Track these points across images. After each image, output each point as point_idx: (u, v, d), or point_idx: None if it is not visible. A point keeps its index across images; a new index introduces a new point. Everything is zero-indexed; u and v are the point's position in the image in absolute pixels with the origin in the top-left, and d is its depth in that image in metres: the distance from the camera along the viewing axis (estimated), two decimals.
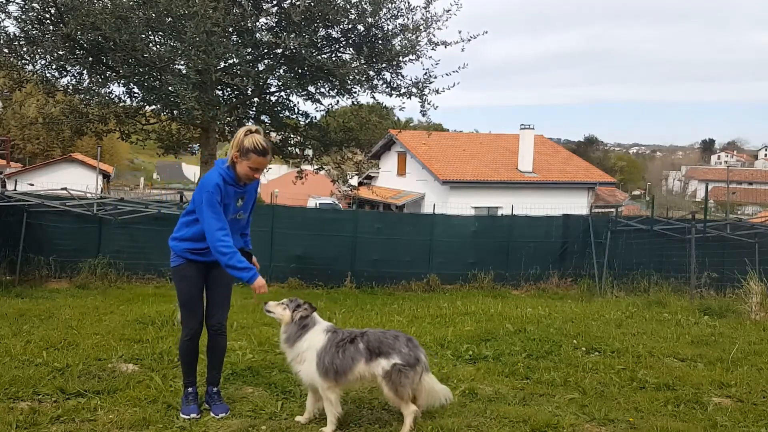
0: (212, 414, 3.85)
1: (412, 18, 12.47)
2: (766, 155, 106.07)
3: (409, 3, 12.40)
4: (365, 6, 11.88)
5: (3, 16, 11.54)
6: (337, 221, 15.11)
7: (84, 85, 12.47)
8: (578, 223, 15.91)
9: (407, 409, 3.59)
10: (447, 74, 12.98)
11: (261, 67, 13.05)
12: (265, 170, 3.77)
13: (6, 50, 11.67)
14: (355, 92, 13.57)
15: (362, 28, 12.54)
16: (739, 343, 6.26)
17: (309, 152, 15.81)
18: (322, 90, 13.76)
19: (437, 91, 12.88)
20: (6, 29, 11.70)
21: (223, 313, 3.96)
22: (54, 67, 12.31)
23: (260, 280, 3.64)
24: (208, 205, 3.56)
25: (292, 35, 11.12)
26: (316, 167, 16.62)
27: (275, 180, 41.54)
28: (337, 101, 14.18)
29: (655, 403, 4.39)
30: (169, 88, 10.92)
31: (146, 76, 12.10)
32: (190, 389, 3.90)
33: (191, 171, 59.69)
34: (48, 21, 11.68)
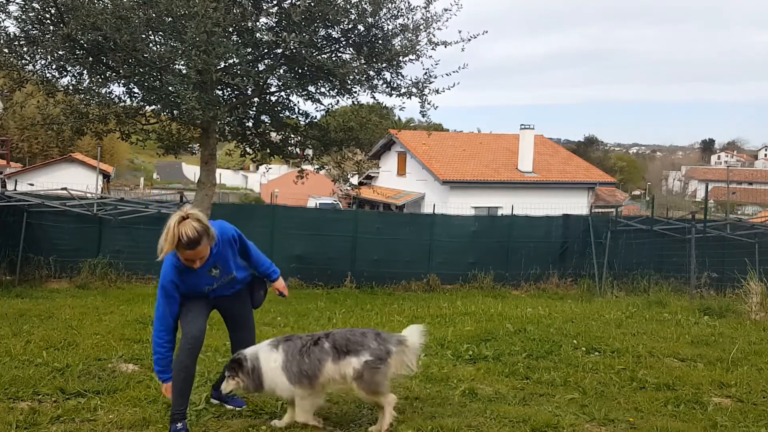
0: (229, 406, 3.94)
1: (412, 18, 12.45)
2: (766, 155, 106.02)
3: (409, 3, 12.39)
4: (365, 6, 11.86)
5: (3, 16, 11.54)
6: (337, 221, 15.12)
7: (84, 85, 12.45)
8: (578, 223, 15.92)
9: (385, 400, 3.56)
10: (447, 74, 12.95)
11: (261, 67, 13.03)
12: (205, 255, 3.36)
13: (6, 50, 11.66)
14: (355, 92, 13.55)
15: (362, 28, 12.52)
16: (739, 343, 6.26)
17: (309, 152, 15.80)
18: (322, 90, 13.74)
19: (437, 91, 12.86)
20: (6, 29, 11.70)
21: (247, 344, 3.80)
22: (54, 67, 12.30)
23: (168, 387, 3.49)
24: (159, 294, 3.48)
25: (293, 35, 11.12)
26: (316, 167, 16.63)
27: (275, 180, 41.56)
28: (337, 101, 14.16)
29: (655, 403, 4.39)
30: (170, 88, 10.91)
31: (146, 76, 12.08)
32: (179, 425, 3.46)
33: (191, 171, 59.71)
34: (48, 21, 11.67)
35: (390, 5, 12.29)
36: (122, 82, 12.71)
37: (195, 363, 3.53)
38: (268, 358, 3.55)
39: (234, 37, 12.03)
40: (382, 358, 3.50)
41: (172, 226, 3.22)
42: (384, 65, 12.86)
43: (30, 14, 11.45)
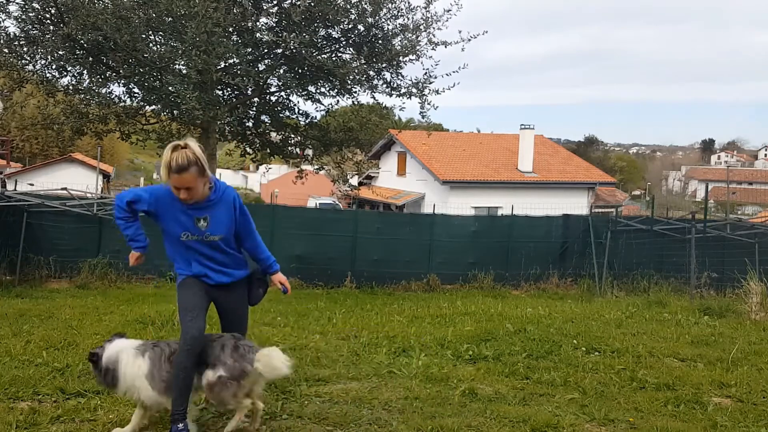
0: None
1: (412, 18, 12.48)
2: (766, 155, 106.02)
3: (409, 3, 12.42)
4: (365, 6, 11.88)
5: (3, 16, 11.55)
6: (337, 221, 15.12)
7: (84, 85, 12.47)
8: (578, 223, 15.92)
9: (239, 405, 3.46)
10: (447, 74, 13.00)
11: (261, 67, 13.05)
12: (193, 187, 3.28)
13: (6, 50, 11.67)
14: (355, 92, 13.59)
15: (362, 28, 12.54)
16: (739, 343, 6.26)
17: (309, 152, 15.82)
18: (322, 90, 13.77)
19: (437, 92, 12.89)
20: (6, 29, 11.71)
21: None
22: (54, 67, 12.32)
23: (133, 254, 3.53)
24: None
25: (293, 35, 11.13)
26: (316, 167, 16.64)
27: (275, 180, 41.59)
28: (337, 101, 14.19)
29: (655, 403, 4.39)
30: (170, 88, 10.93)
31: (146, 76, 12.10)
32: (180, 426, 3.34)
33: None
34: (48, 21, 11.68)
35: (390, 5, 12.30)
36: (122, 82, 12.73)
37: (194, 363, 3.43)
38: (132, 363, 3.42)
39: (234, 37, 12.04)
40: (236, 377, 3.38)
41: (166, 151, 3.24)
42: (384, 65, 12.88)
43: (30, 14, 11.46)
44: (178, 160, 3.22)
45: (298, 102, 15.64)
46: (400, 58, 12.60)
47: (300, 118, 14.98)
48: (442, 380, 4.77)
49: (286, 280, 3.78)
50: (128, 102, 13.39)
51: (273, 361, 3.44)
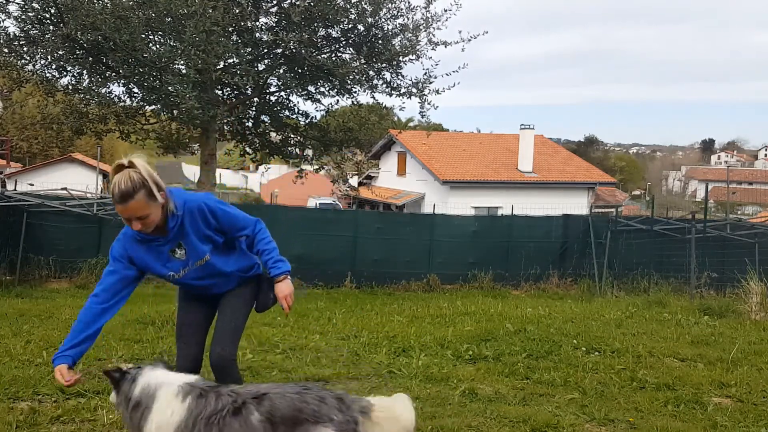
0: None
1: (412, 18, 12.49)
2: (766, 155, 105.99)
3: (409, 3, 12.43)
4: (365, 6, 11.89)
5: (3, 16, 11.55)
6: (337, 221, 15.12)
7: (84, 85, 12.48)
8: (578, 223, 15.92)
9: None
10: (447, 74, 13.01)
11: (261, 66, 13.06)
12: (146, 214, 2.66)
13: (6, 50, 11.68)
14: (355, 92, 13.60)
15: (362, 28, 12.55)
16: (739, 343, 6.25)
17: (309, 152, 15.82)
18: (322, 90, 13.78)
19: (437, 91, 12.91)
20: (6, 29, 11.71)
21: (218, 344, 2.91)
22: (54, 67, 12.33)
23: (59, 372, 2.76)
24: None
25: (292, 35, 11.13)
26: (316, 167, 16.64)
27: (275, 180, 41.61)
28: (337, 101, 14.20)
29: (655, 403, 4.38)
30: (169, 87, 10.93)
31: (146, 76, 12.10)
32: None
33: (191, 171, 59.67)
34: (48, 21, 11.68)
35: (390, 5, 12.31)
36: (122, 82, 12.74)
37: None
38: (168, 405, 2.47)
39: (233, 37, 12.04)
40: None
41: (110, 172, 2.68)
42: (384, 65, 12.89)
43: (30, 14, 11.46)
44: (120, 185, 2.60)
45: (298, 102, 15.67)
46: (400, 58, 12.61)
47: (300, 118, 14.98)
48: (442, 380, 4.77)
49: (289, 295, 2.99)
50: (128, 102, 13.40)
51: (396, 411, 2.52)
